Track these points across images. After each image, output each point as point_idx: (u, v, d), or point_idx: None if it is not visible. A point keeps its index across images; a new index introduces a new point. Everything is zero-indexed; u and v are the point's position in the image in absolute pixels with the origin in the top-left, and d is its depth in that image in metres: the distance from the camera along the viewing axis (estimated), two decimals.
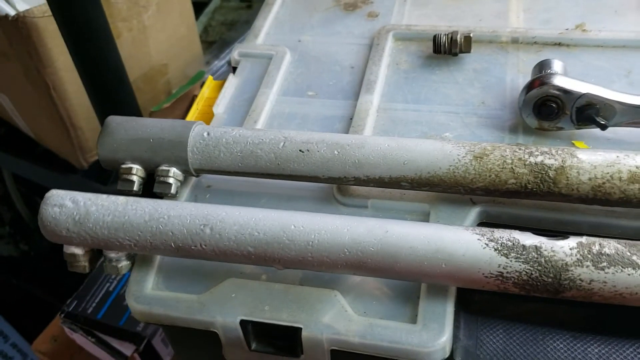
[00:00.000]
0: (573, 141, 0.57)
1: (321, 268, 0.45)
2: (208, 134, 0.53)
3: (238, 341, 0.47)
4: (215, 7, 1.76)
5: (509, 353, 0.47)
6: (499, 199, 0.51)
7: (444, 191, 0.50)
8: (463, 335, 0.49)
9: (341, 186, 0.54)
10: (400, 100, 0.63)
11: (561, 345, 0.47)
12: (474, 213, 0.51)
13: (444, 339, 0.43)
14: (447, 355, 0.44)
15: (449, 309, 0.45)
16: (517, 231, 0.43)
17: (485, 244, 0.43)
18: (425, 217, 0.51)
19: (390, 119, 0.61)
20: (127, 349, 0.87)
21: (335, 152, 0.50)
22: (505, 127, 0.59)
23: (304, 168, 0.51)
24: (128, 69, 1.05)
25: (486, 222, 0.52)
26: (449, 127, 0.59)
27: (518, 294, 0.43)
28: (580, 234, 0.43)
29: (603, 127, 0.54)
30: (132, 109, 1.06)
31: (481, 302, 0.51)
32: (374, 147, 0.50)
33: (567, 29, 0.68)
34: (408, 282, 0.47)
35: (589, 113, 0.54)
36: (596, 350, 0.47)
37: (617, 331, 0.48)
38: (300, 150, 0.51)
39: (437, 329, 0.44)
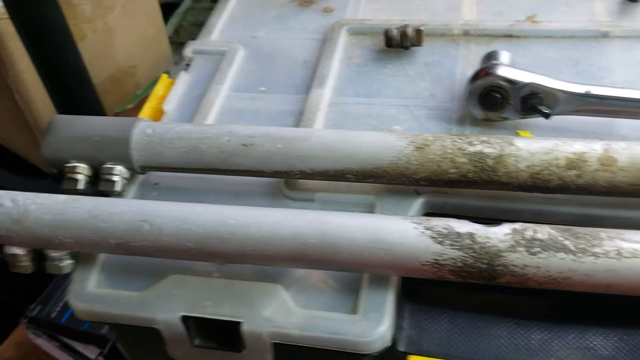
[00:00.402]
0: (518, 131, 0.57)
1: (262, 262, 0.45)
2: (152, 130, 0.53)
3: (180, 337, 0.47)
4: (187, 8, 1.76)
5: (453, 341, 0.47)
6: (442, 189, 0.51)
7: (388, 182, 0.50)
8: (408, 325, 0.49)
9: (288, 180, 0.54)
10: (352, 94, 0.63)
11: (504, 333, 0.48)
12: (418, 204, 0.51)
13: (383, 328, 0.43)
14: (387, 344, 0.44)
15: (390, 299, 0.45)
16: (454, 219, 0.44)
17: (422, 232, 0.43)
18: (370, 209, 0.51)
19: (341, 112, 0.61)
20: (91, 352, 0.87)
21: (279, 145, 0.50)
22: (453, 119, 0.59)
23: (248, 162, 0.51)
24: (94, 71, 1.05)
25: (431, 212, 0.52)
26: (399, 120, 0.60)
27: (455, 281, 0.43)
28: (519, 221, 0.44)
29: (547, 116, 0.55)
30: (96, 111, 1.05)
31: (428, 292, 0.51)
32: (318, 140, 0.50)
33: (517, 21, 0.68)
34: (351, 274, 0.47)
35: (533, 102, 0.55)
36: (539, 337, 0.47)
37: (560, 318, 0.48)
38: (244, 145, 0.51)
39: (376, 319, 0.44)
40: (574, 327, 0.48)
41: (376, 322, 0.44)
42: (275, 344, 0.46)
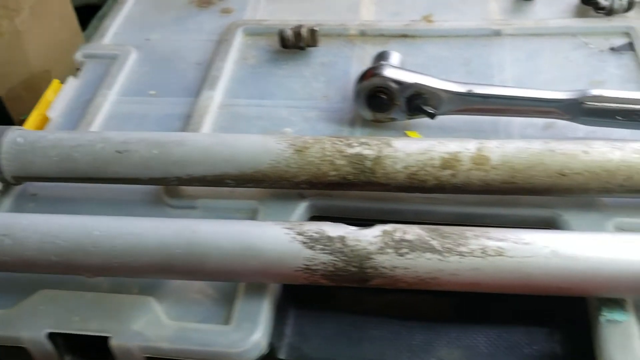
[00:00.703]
0: (406, 131, 0.57)
1: (130, 274, 0.44)
2: (23, 139, 0.50)
3: (49, 355, 0.45)
4: (109, 10, 1.71)
5: (335, 345, 0.47)
6: (326, 192, 0.50)
7: (270, 187, 0.49)
8: (290, 331, 0.48)
9: (169, 188, 0.52)
10: (244, 96, 0.62)
11: (387, 334, 0.47)
12: (302, 207, 0.50)
13: (257, 337, 0.42)
14: (263, 352, 0.43)
15: (265, 307, 0.44)
16: (328, 223, 0.43)
17: (293, 237, 0.42)
18: (254, 215, 0.50)
19: (231, 115, 0.60)
20: None
21: (154, 151, 0.49)
22: (345, 120, 0.59)
23: (123, 170, 0.49)
24: (3, 76, 1.00)
25: (317, 215, 0.51)
26: (290, 121, 0.59)
27: (329, 285, 0.42)
28: (392, 222, 0.43)
29: (432, 116, 0.55)
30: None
31: (312, 297, 0.50)
32: (194, 145, 0.49)
33: (413, 20, 0.69)
34: (229, 283, 0.46)
35: (418, 103, 0.55)
36: (421, 337, 0.47)
37: (442, 318, 0.48)
38: (117, 151, 0.49)
39: (249, 328, 0.43)
40: (456, 326, 0.48)
41: (249, 331, 0.42)
42: (147, 358, 0.44)
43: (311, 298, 0.50)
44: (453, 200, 0.50)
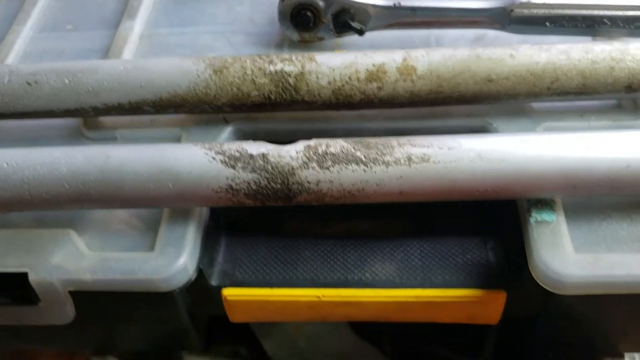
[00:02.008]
0: (336, 50, 0.55)
1: (44, 206, 0.41)
2: None
3: None
4: None
5: (269, 269, 0.46)
6: (251, 115, 0.48)
7: (191, 112, 0.47)
8: (222, 259, 0.47)
9: (87, 120, 0.50)
10: (166, 25, 0.59)
11: (320, 255, 0.47)
12: (227, 132, 0.48)
13: (182, 262, 0.41)
14: (190, 278, 0.42)
15: (190, 232, 0.42)
16: (249, 141, 0.41)
17: (212, 158, 0.40)
18: (177, 142, 0.48)
19: (152, 45, 0.57)
20: None
21: (66, 81, 0.46)
22: (272, 43, 0.56)
23: (35, 103, 0.46)
24: None
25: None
26: (214, 47, 0.56)
27: (255, 205, 0.41)
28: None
29: (360, 32, 0.53)
30: None
31: (245, 224, 0.49)
32: (108, 72, 0.46)
33: None
34: (153, 212, 0.44)
35: (344, 19, 0.53)
36: (355, 255, 0.47)
37: (376, 235, 0.48)
38: (27, 83, 0.46)
39: (173, 254, 0.41)
40: (390, 242, 0.47)
41: (173, 256, 0.41)
42: (72, 292, 0.42)
43: (243, 225, 0.49)
44: (383, 116, 0.48)
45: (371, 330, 0.68)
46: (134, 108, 0.46)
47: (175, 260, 0.41)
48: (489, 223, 0.46)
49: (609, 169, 0.38)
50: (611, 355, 0.49)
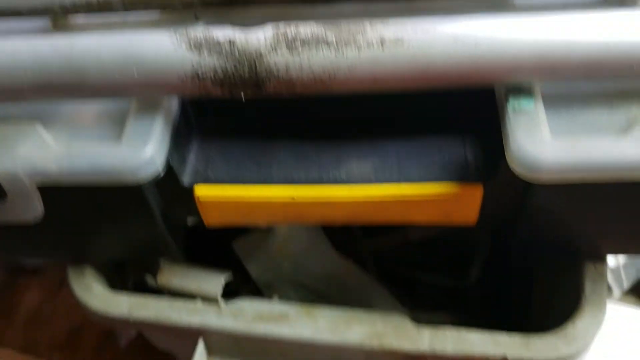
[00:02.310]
0: None
1: (8, 97, 0.40)
2: None
3: None
4: None
5: (242, 167, 0.45)
6: (223, 11, 0.47)
7: (161, 7, 0.45)
8: (195, 158, 0.46)
9: (56, 22, 0.48)
10: None
11: (296, 155, 0.46)
12: None
13: (149, 153, 0.40)
14: (157, 171, 0.41)
15: (159, 123, 0.41)
16: (217, 27, 0.40)
17: (178, 43, 0.39)
18: None
19: None
20: None
21: None
22: None
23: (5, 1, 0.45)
24: None
25: None
26: None
27: (223, 95, 0.40)
28: None
29: None
30: None
31: (218, 124, 0.48)
32: None
33: None
34: (122, 105, 0.43)
35: None
36: (331, 153, 0.46)
37: (354, 132, 0.47)
38: None
39: (140, 145, 0.40)
40: (367, 142, 0.46)
41: (140, 147, 0.40)
42: (40, 188, 0.41)
43: (218, 127, 0.48)
44: (362, 12, 0.47)
45: (355, 254, 0.68)
46: (103, 5, 0.45)
47: (141, 150, 0.40)
48: (468, 118, 0.45)
49: (588, 51, 0.37)
50: (593, 258, 0.49)
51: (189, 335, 0.51)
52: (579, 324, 0.46)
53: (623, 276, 0.74)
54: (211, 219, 0.46)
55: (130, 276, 0.57)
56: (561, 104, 0.40)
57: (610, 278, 0.73)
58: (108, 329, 0.79)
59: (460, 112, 0.46)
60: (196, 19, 0.47)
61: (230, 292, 0.67)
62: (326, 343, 0.47)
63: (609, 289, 0.74)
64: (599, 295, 0.47)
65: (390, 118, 0.47)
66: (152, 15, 0.47)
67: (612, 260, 0.72)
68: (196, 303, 0.50)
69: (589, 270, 0.48)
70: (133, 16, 0.47)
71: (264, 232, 0.66)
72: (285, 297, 0.65)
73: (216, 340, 0.50)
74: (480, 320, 0.67)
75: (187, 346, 0.51)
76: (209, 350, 0.51)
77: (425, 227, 0.63)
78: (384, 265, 0.73)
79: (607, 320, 0.74)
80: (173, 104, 0.43)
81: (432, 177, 0.43)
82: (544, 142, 0.38)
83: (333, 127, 0.47)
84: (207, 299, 0.51)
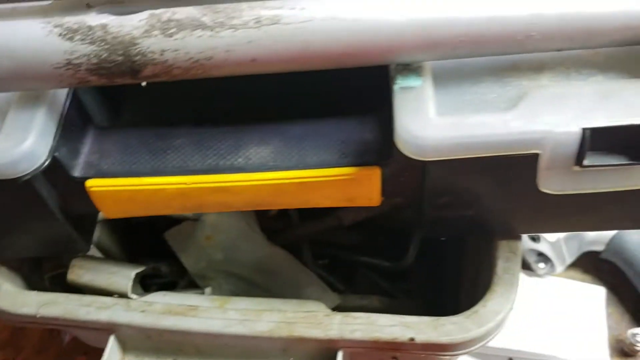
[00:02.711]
0: None
1: None
2: None
3: None
4: None
5: (137, 157, 0.44)
6: None
7: None
8: (89, 150, 0.45)
9: None
10: None
11: (193, 142, 0.44)
12: None
13: (27, 145, 0.39)
14: (41, 164, 0.39)
15: (39, 116, 0.40)
16: (91, 12, 0.38)
17: (49, 30, 0.37)
18: None
19: None
20: None
21: None
22: None
23: None
24: None
25: None
26: None
27: (100, 83, 0.38)
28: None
29: None
30: None
31: (120, 116, 0.47)
32: None
33: None
34: (2, 100, 0.41)
35: None
36: (228, 142, 0.44)
37: (252, 122, 0.45)
38: None
39: (19, 137, 0.39)
40: (265, 127, 0.45)
41: (18, 140, 0.39)
42: None
43: (117, 118, 0.47)
44: None
45: (289, 240, 0.67)
46: None
47: (20, 143, 0.39)
48: (370, 98, 0.43)
49: (469, 25, 0.36)
50: (507, 237, 0.48)
51: (103, 332, 0.50)
52: (490, 305, 0.45)
53: (564, 251, 0.73)
54: (109, 210, 0.45)
55: (45, 274, 0.55)
56: (452, 81, 0.39)
57: (551, 253, 0.73)
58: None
59: (362, 93, 0.45)
60: (88, 7, 0.45)
61: (166, 286, 0.66)
62: (236, 334, 0.46)
63: (552, 264, 0.74)
64: (511, 275, 0.46)
65: (296, 101, 0.45)
66: (44, 3, 0.46)
67: (552, 235, 0.72)
68: (106, 299, 0.49)
69: (503, 248, 0.48)
70: (25, 4, 0.45)
71: (194, 222, 0.65)
72: (217, 287, 0.64)
73: (129, 335, 0.49)
74: (417, 302, 0.66)
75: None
76: (124, 345, 0.50)
77: (355, 210, 0.61)
78: (326, 250, 0.72)
79: (549, 295, 0.73)
80: (60, 96, 0.42)
81: (331, 161, 0.42)
82: (428, 120, 0.37)
83: (236, 112, 0.46)
84: (121, 294, 0.50)
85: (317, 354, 0.47)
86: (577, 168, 0.37)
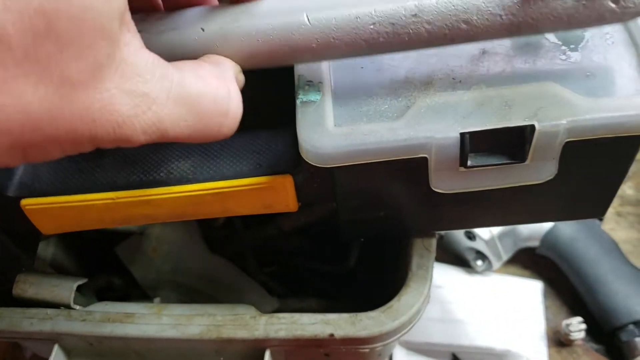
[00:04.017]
0: None
1: None
2: None
3: None
4: None
5: (66, 177, 0.47)
6: None
7: None
8: (23, 171, 0.48)
9: None
10: None
11: (120, 160, 0.47)
12: None
13: None
14: None
15: None
16: None
17: None
18: None
19: None
20: None
21: None
22: None
23: None
24: None
25: None
26: None
27: None
28: None
29: None
30: None
31: None
32: None
33: None
34: None
35: None
36: (155, 157, 0.47)
37: None
38: None
39: None
40: None
41: None
42: None
43: None
44: None
45: (233, 249, 0.70)
46: None
47: None
48: (282, 109, 0.47)
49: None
50: (421, 235, 0.51)
51: (48, 342, 0.52)
52: (403, 299, 0.48)
53: (500, 248, 0.77)
54: (44, 227, 0.48)
55: None
56: (349, 94, 0.43)
57: (487, 250, 0.76)
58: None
59: (275, 105, 0.48)
60: None
61: (120, 298, 0.69)
62: (169, 337, 0.49)
63: (489, 261, 0.78)
64: (425, 270, 0.50)
65: None
66: None
67: (485, 232, 0.75)
68: (49, 310, 0.52)
69: (417, 246, 0.51)
70: None
71: (140, 236, 0.68)
72: (166, 297, 0.67)
73: (72, 344, 0.52)
74: (359, 302, 0.69)
75: None
76: (68, 354, 0.53)
77: (292, 218, 0.65)
78: (273, 257, 0.76)
79: (489, 291, 0.77)
80: None
81: (247, 171, 0.46)
82: (325, 131, 0.40)
83: None
84: (65, 306, 0.53)
85: (246, 355, 0.50)
86: (462, 169, 0.41)
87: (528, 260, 0.82)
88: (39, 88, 0.25)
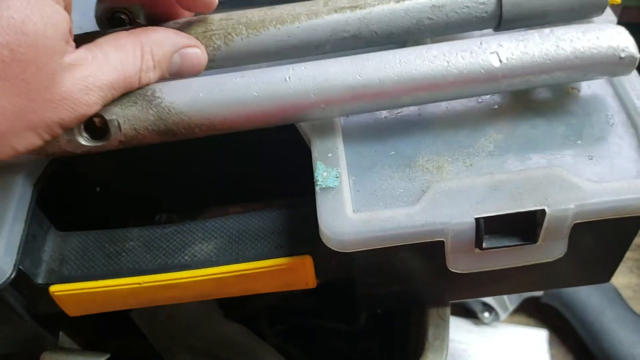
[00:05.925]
0: None
1: None
2: None
3: None
4: None
5: (92, 262, 0.48)
6: None
7: None
8: (50, 258, 0.49)
9: None
10: None
11: (144, 232, 0.49)
12: None
13: None
14: (5, 278, 0.44)
15: (3, 234, 0.44)
16: None
17: None
18: None
19: None
20: None
21: None
22: None
23: None
24: None
25: None
26: None
27: None
28: None
29: None
30: None
31: (74, 221, 0.51)
32: None
33: None
34: None
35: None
36: (177, 240, 0.49)
37: (197, 221, 0.50)
38: None
39: None
40: (210, 223, 0.50)
41: None
42: None
43: (72, 224, 0.51)
44: None
45: (246, 312, 0.71)
46: None
47: None
48: (298, 194, 0.49)
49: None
50: (436, 305, 0.53)
51: None
52: None
53: (506, 299, 0.79)
54: (72, 310, 0.49)
55: None
56: (367, 179, 0.45)
57: (494, 302, 0.78)
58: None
59: (293, 188, 0.50)
60: None
61: None
62: None
63: (495, 312, 0.79)
64: (441, 341, 0.52)
65: (231, 200, 0.51)
66: None
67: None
68: None
69: (433, 316, 0.53)
70: None
71: None
72: None
73: None
74: None
75: None
76: None
77: None
78: (283, 317, 0.77)
79: (496, 341, 0.79)
80: (21, 212, 0.47)
81: (268, 253, 0.47)
82: (345, 218, 0.42)
83: (180, 213, 0.51)
84: None
85: None
86: (478, 250, 0.43)
87: (533, 309, 0.84)
88: (13, 98, 0.34)
